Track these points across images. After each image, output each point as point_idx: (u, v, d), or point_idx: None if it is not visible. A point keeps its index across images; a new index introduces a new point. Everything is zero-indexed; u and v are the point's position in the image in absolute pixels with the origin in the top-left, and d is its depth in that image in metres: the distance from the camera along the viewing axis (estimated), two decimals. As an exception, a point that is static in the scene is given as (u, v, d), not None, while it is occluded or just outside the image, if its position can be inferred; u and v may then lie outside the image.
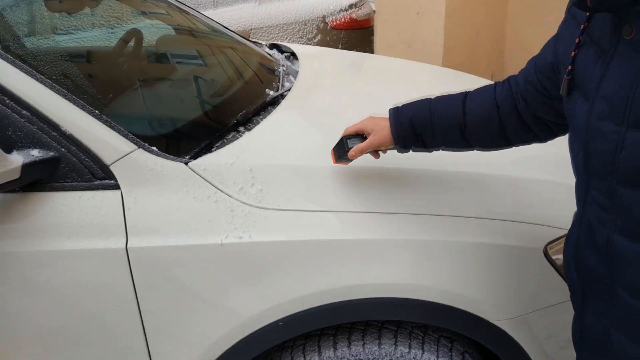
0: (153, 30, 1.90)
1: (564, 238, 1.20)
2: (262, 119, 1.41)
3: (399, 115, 1.12)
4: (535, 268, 1.18)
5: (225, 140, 1.32)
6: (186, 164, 1.15)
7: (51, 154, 1.09)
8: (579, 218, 0.91)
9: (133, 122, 1.32)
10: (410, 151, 1.15)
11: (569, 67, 0.83)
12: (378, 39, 3.91)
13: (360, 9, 4.39)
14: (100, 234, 1.09)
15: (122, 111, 1.36)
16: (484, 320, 1.17)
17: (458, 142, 1.10)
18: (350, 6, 4.34)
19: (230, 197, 1.13)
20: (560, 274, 1.20)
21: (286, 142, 1.26)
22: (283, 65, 1.99)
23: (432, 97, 1.12)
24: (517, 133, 1.05)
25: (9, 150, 1.06)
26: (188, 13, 2.09)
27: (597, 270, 0.85)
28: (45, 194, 1.11)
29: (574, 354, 1.00)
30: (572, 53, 0.83)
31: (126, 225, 1.09)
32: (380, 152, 1.18)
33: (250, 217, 1.12)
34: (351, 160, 1.17)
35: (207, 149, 1.26)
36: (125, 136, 1.13)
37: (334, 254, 1.11)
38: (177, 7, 2.08)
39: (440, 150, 1.14)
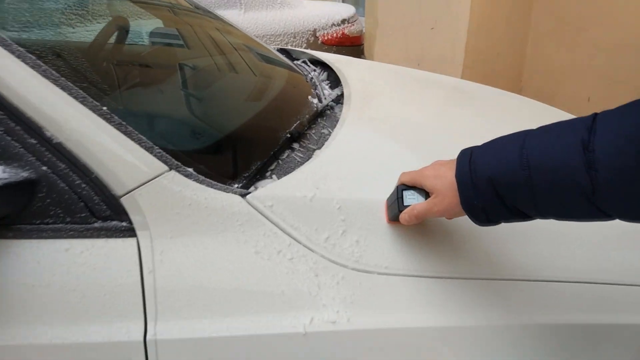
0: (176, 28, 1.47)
1: None
2: (326, 135, 1.00)
3: (472, 172, 0.65)
4: None
5: (280, 162, 0.90)
6: (243, 196, 0.72)
7: (23, 174, 0.65)
8: None
9: (151, 131, 0.88)
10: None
11: None
12: (377, 55, 3.59)
13: (353, 25, 4.21)
14: (101, 317, 0.64)
15: (136, 114, 0.91)
16: None
17: (585, 212, 0.60)
18: (343, 21, 4.15)
19: (313, 251, 0.71)
20: None
21: (375, 166, 0.86)
22: (315, 71, 1.60)
23: (525, 136, 0.63)
24: None
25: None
26: (213, 16, 1.67)
27: None
28: (7, 243, 0.66)
29: None
30: None
31: (145, 303, 0.65)
32: None
33: (346, 285, 0.70)
34: None
35: (260, 174, 0.84)
36: (149, 150, 0.69)
37: (483, 346, 0.71)
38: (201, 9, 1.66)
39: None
